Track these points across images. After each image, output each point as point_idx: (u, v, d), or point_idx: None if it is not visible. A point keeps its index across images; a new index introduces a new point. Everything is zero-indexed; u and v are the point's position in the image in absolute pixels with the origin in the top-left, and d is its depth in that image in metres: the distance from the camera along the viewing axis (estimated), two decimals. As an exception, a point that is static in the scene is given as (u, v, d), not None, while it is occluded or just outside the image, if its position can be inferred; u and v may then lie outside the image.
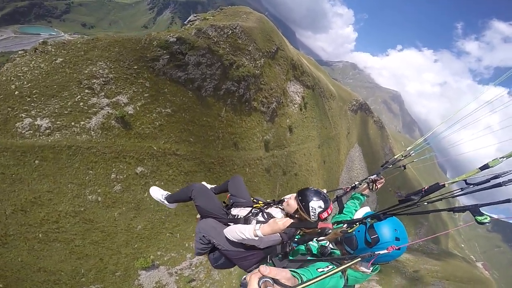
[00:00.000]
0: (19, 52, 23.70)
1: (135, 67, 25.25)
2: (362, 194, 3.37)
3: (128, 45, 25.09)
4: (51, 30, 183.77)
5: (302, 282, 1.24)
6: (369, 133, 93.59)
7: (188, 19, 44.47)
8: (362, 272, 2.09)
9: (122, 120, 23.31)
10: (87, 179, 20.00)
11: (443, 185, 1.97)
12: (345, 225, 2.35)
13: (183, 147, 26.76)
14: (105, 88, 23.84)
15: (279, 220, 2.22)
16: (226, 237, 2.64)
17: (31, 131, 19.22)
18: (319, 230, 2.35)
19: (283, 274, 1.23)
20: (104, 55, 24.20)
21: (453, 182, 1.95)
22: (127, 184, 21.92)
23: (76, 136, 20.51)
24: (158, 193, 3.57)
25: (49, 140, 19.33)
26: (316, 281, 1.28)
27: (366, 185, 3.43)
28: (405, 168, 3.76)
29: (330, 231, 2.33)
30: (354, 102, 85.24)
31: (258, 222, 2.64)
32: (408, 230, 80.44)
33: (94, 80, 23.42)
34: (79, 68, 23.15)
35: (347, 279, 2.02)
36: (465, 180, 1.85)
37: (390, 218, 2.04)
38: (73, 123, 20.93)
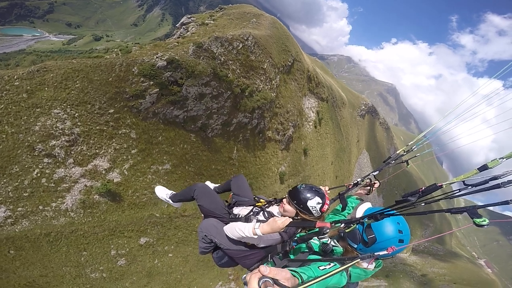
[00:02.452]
0: None
1: (111, 110, 16.67)
2: (356, 198, 3.09)
3: (95, 75, 16.33)
4: (34, 31, 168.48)
5: (303, 282, 1.28)
6: (376, 136, 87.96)
7: (181, 21, 35.69)
8: (365, 268, 2.02)
9: (108, 192, 16.03)
10: (83, 260, 15.82)
11: (441, 186, 1.87)
12: (343, 224, 2.13)
13: (191, 205, 19.99)
14: (72, 152, 15.63)
15: (279, 219, 2.12)
16: (226, 235, 2.53)
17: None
18: (317, 229, 2.18)
19: (282, 274, 1.20)
20: (60, 97, 15.52)
21: (452, 183, 1.88)
22: (132, 257, 17.56)
23: (51, 220, 14.98)
24: (163, 192, 3.51)
25: (17, 230, 14.36)
26: (317, 282, 1.27)
27: (367, 188, 3.16)
28: (408, 163, 3.34)
29: (328, 230, 2.12)
30: (363, 107, 78.82)
31: (258, 221, 2.53)
32: (414, 232, 76.98)
33: (53, 142, 15.13)
34: (25, 125, 14.68)
35: (349, 276, 1.97)
36: (463, 181, 1.79)
37: (392, 219, 1.94)
38: (41, 207, 14.70)
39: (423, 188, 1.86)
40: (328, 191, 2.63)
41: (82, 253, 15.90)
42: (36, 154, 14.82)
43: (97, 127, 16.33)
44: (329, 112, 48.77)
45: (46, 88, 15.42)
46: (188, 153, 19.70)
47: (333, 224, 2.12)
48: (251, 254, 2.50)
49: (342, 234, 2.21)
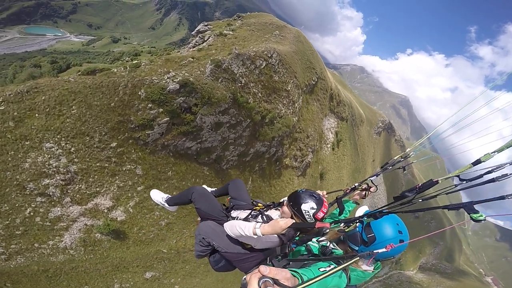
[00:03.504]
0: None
1: (113, 144, 13.86)
2: (353, 202, 3.14)
3: (95, 99, 13.56)
4: (57, 31, 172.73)
5: (303, 282, 1.22)
6: (391, 155, 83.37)
7: (197, 29, 33.37)
8: (364, 270, 1.99)
9: (111, 231, 13.78)
10: (85, 292, 13.08)
11: (437, 182, 1.87)
12: (342, 224, 2.17)
13: None
14: (68, 191, 13.09)
15: (281, 220, 2.01)
16: (225, 237, 2.48)
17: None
18: (317, 230, 2.22)
19: (282, 274, 1.18)
20: (53, 127, 12.82)
21: (447, 178, 1.87)
22: (137, 290, 14.92)
23: (49, 257, 12.91)
24: (158, 196, 3.40)
25: (12, 266, 12.39)
26: (317, 281, 1.25)
27: (359, 192, 3.21)
28: (405, 169, 3.29)
29: (328, 230, 2.21)
30: (380, 124, 74.90)
31: (257, 222, 2.34)
32: (423, 249, 72.92)
33: (46, 181, 12.58)
34: (13, 161, 12.13)
35: (349, 278, 1.92)
36: (458, 176, 1.79)
37: (392, 217, 1.93)
38: (36, 245, 12.56)
39: (419, 185, 1.85)
40: (326, 195, 2.62)
41: (84, 287, 14.10)
42: (28, 193, 12.35)
43: (97, 164, 13.57)
44: (348, 132, 45.33)
45: (36, 115, 12.77)
46: (199, 189, 16.73)
47: (333, 224, 2.04)
48: (249, 257, 2.40)
49: (342, 237, 2.14)
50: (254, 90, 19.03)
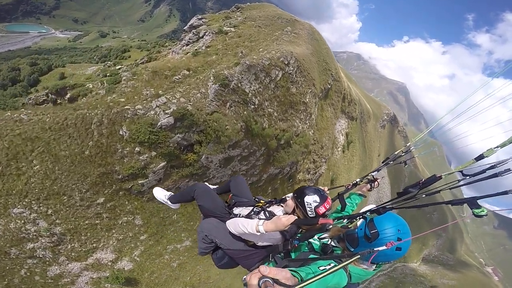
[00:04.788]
0: None
1: (100, 200, 10.44)
2: (359, 194, 3.08)
3: (61, 148, 9.85)
4: (41, 28, 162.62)
5: (303, 281, 1.20)
6: (395, 146, 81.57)
7: (190, 23, 29.09)
8: (365, 269, 1.94)
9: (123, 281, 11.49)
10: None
11: (440, 177, 1.85)
12: (345, 220, 2.18)
13: (215, 270, 16.02)
14: (61, 251, 10.48)
15: (283, 216, 2.00)
16: (227, 234, 2.42)
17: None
18: (320, 226, 2.16)
19: (282, 274, 1.18)
20: (15, 190, 9.27)
21: (450, 174, 1.86)
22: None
23: None
24: (161, 193, 3.29)
25: None
26: (317, 279, 1.24)
27: (365, 184, 3.13)
28: (406, 164, 3.26)
29: (331, 226, 2.14)
30: (385, 117, 72.58)
31: (261, 219, 2.34)
32: (426, 241, 72.32)
33: (30, 245, 9.95)
34: None
35: (350, 276, 1.89)
36: (461, 171, 1.75)
37: (392, 216, 1.86)
38: None
39: (423, 180, 1.85)
40: (328, 191, 2.58)
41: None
42: (14, 257, 9.72)
43: (86, 222, 10.42)
44: (357, 131, 42.25)
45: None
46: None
47: (336, 220, 2.05)
48: (252, 254, 2.39)
49: (342, 235, 2.11)
50: (269, 109, 15.30)
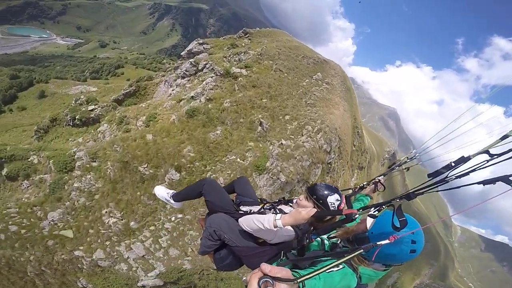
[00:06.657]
0: None
1: None
2: (366, 195, 3.19)
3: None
4: (43, 32, 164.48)
5: (302, 275, 1.23)
6: (393, 184, 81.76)
7: (188, 48, 26.64)
8: (375, 269, 1.91)
9: None
10: None
11: (469, 158, 1.77)
12: (373, 208, 1.95)
13: None
14: None
15: (303, 209, 1.94)
16: (239, 230, 2.38)
17: None
18: (345, 217, 2.05)
19: (283, 273, 1.19)
20: None
21: (478, 154, 1.79)
22: None
23: None
24: (163, 192, 3.14)
25: None
26: (317, 273, 1.27)
27: (372, 186, 3.28)
28: (408, 169, 3.54)
29: (357, 216, 2.01)
30: (386, 155, 69.25)
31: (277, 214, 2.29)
32: (419, 271, 71.54)
33: None
34: None
35: (360, 277, 1.85)
36: (488, 152, 1.71)
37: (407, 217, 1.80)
38: None
39: (454, 161, 1.84)
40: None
41: None
42: None
43: None
44: (363, 179, 40.38)
45: None
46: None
47: (361, 210, 2.01)
48: (261, 252, 2.31)
49: (350, 238, 2.11)
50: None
